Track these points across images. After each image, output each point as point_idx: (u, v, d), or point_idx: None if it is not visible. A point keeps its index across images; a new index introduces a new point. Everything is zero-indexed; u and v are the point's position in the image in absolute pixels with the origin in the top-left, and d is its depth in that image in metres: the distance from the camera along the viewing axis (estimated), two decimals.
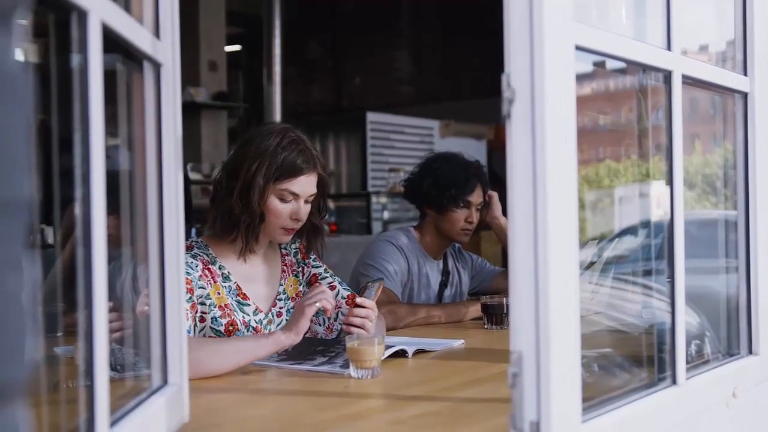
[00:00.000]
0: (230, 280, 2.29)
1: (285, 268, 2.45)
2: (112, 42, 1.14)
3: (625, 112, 2.06)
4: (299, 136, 2.29)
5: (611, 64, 1.60)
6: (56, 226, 1.29)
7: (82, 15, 1.02)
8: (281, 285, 2.41)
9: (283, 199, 2.25)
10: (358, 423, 1.60)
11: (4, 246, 0.61)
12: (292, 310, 2.37)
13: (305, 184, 2.27)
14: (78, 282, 1.06)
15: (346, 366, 1.96)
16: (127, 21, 1.20)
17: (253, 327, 2.29)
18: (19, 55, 0.64)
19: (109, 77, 1.11)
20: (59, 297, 1.73)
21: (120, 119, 1.38)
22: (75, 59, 1.04)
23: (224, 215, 2.26)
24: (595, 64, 1.53)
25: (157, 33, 1.39)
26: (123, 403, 1.25)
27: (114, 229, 1.27)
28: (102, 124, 1.06)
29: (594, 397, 1.38)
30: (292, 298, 2.42)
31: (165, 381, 1.42)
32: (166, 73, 1.41)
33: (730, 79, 1.86)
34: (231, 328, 2.23)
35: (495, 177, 3.46)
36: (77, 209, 1.04)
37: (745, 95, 1.89)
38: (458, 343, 2.43)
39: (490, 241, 6.76)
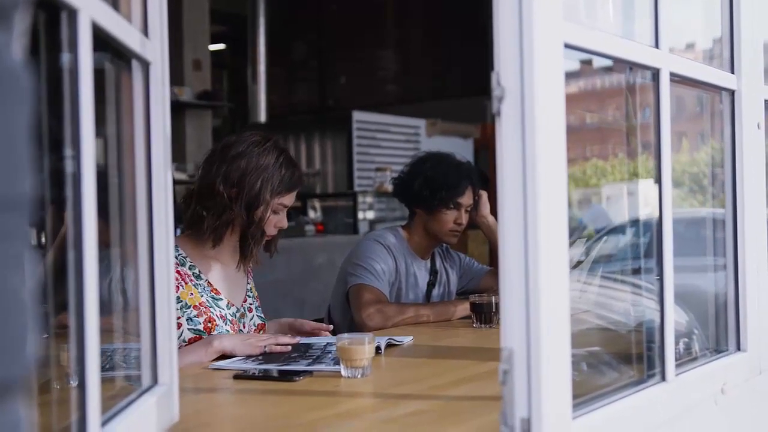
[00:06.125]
0: (202, 279, 2.36)
1: (249, 270, 2.56)
2: (100, 40, 1.13)
3: (611, 110, 2.07)
4: (288, 150, 2.45)
5: (598, 62, 1.60)
6: (47, 227, 1.28)
7: (72, 13, 1.02)
8: (248, 284, 2.54)
9: (275, 212, 2.38)
10: (350, 422, 1.60)
11: (6, 242, 0.60)
12: (259, 307, 2.53)
13: (294, 197, 2.44)
14: (68, 282, 1.05)
15: (337, 363, 1.96)
16: (116, 19, 1.20)
17: (229, 320, 2.37)
18: (19, 54, 0.63)
19: (97, 76, 1.10)
20: (47, 298, 1.72)
21: (108, 118, 1.37)
22: (64, 58, 1.04)
23: (225, 225, 2.34)
24: (582, 61, 1.53)
25: (145, 31, 1.39)
26: (113, 403, 1.25)
27: (101, 229, 1.26)
28: (92, 123, 1.05)
29: (584, 394, 1.38)
30: (256, 297, 2.56)
31: (155, 381, 1.41)
32: (155, 71, 1.40)
33: (718, 76, 1.87)
34: (210, 324, 2.31)
35: (482, 176, 3.45)
36: (68, 210, 1.03)
37: (732, 92, 1.90)
38: (407, 340, 2.44)
39: (477, 240, 6.78)
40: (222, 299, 2.38)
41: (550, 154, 1.22)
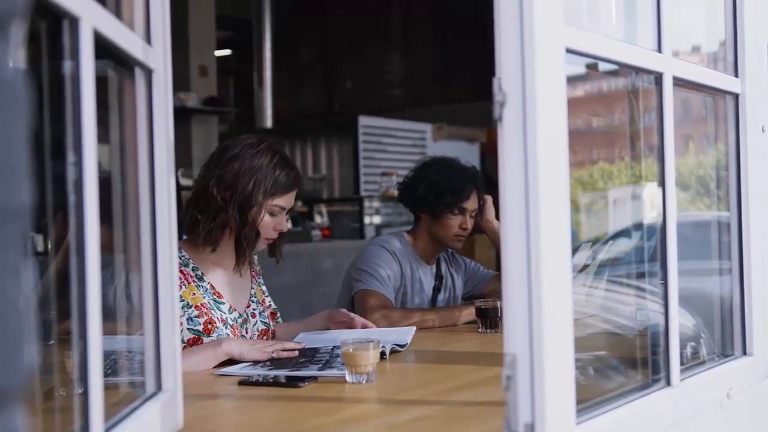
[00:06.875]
0: (204, 281, 2.37)
1: (253, 274, 2.57)
2: (103, 48, 1.14)
3: (618, 114, 2.06)
4: (284, 152, 2.43)
5: (604, 66, 1.60)
6: (49, 234, 1.29)
7: (74, 22, 1.02)
8: (252, 289, 2.53)
9: (272, 214, 2.38)
10: (355, 427, 1.60)
11: (3, 252, 0.61)
12: (263, 313, 2.52)
13: (292, 198, 2.43)
14: (71, 290, 1.05)
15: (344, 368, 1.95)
16: (118, 27, 1.20)
17: (229, 324, 2.37)
18: (17, 62, 0.64)
19: (100, 83, 1.10)
20: (52, 305, 1.72)
21: (111, 125, 1.38)
22: (66, 65, 1.04)
23: (220, 228, 2.34)
24: (588, 66, 1.53)
25: (148, 39, 1.39)
26: (117, 410, 1.25)
27: (106, 236, 1.27)
28: (94, 131, 1.06)
29: (589, 399, 1.38)
30: (261, 302, 2.55)
31: (159, 387, 1.41)
32: (157, 79, 1.41)
33: (721, 80, 1.86)
34: (210, 326, 2.31)
35: (488, 180, 3.45)
36: (70, 216, 1.03)
37: (736, 96, 1.90)
38: (412, 332, 2.47)
39: (484, 245, 6.77)
40: (224, 303, 2.38)
41: (551, 159, 1.22)
